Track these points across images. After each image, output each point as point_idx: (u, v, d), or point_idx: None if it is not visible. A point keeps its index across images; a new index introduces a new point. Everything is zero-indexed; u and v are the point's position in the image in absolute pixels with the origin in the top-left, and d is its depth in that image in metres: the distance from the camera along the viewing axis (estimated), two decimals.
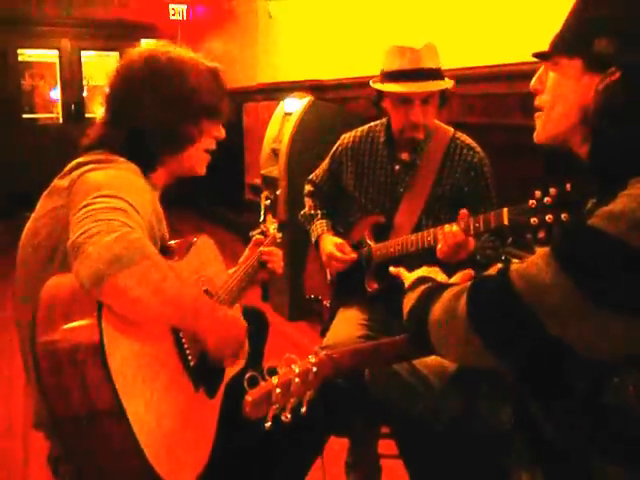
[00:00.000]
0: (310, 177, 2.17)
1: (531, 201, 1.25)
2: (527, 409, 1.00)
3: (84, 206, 1.02)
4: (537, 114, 1.01)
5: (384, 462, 1.87)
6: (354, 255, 1.90)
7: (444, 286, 1.04)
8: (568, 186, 1.20)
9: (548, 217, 1.22)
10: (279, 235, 1.77)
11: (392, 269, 1.36)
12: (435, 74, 1.74)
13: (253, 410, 0.95)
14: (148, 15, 7.06)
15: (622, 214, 0.77)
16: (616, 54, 0.85)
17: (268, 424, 0.97)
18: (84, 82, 7.50)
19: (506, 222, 1.36)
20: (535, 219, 1.24)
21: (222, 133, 1.44)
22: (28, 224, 1.25)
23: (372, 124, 2.00)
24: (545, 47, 0.98)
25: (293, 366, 1.02)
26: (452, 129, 1.89)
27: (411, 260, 1.50)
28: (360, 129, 2.02)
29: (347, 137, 2.03)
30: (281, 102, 4.06)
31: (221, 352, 1.19)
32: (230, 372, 1.37)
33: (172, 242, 1.36)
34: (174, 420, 1.08)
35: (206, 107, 1.36)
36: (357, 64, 3.67)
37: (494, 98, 2.60)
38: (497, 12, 2.61)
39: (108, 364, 0.93)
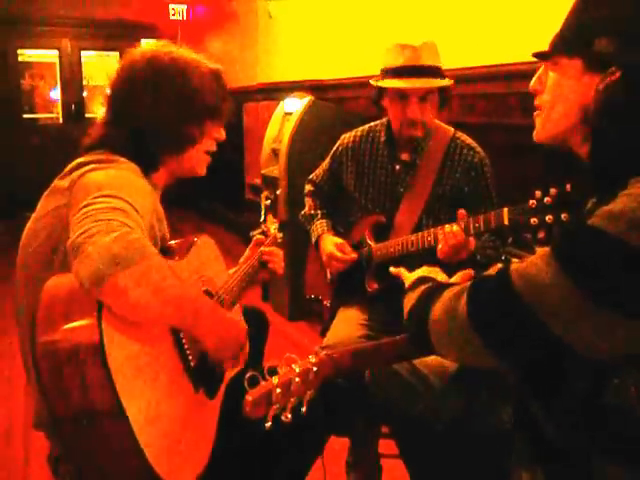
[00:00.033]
0: (310, 177, 2.17)
1: (531, 201, 1.25)
2: (527, 409, 1.00)
3: (84, 206, 1.02)
4: (537, 113, 1.01)
5: (384, 462, 1.87)
6: (354, 255, 1.90)
7: (444, 286, 1.04)
8: (568, 186, 1.20)
9: (548, 217, 1.22)
10: (280, 235, 1.77)
11: (392, 269, 1.36)
12: (434, 72, 1.74)
13: (253, 410, 0.95)
14: (148, 15, 7.06)
15: (622, 214, 0.77)
16: (616, 54, 0.85)
17: (268, 424, 0.97)
18: (84, 82, 7.50)
19: (506, 222, 1.36)
20: (535, 219, 1.24)
21: (223, 135, 1.44)
22: (28, 224, 1.25)
23: (372, 124, 2.00)
24: (545, 47, 0.98)
25: (293, 366, 1.02)
26: (452, 129, 1.89)
27: (411, 260, 1.50)
28: (360, 129, 2.02)
29: (347, 137, 2.03)
30: (281, 102, 4.06)
31: (221, 353, 1.19)
32: (230, 372, 1.37)
33: (172, 242, 1.36)
34: (174, 420, 1.08)
35: (208, 108, 1.36)
36: (357, 64, 3.67)
37: (494, 98, 2.60)
38: (497, 12, 2.61)
39: (108, 364, 0.93)
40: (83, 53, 7.42)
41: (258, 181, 4.15)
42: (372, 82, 1.83)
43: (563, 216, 1.20)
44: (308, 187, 2.17)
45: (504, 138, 2.49)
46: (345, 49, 3.91)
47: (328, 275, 2.02)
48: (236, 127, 5.05)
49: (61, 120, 7.45)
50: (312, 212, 2.10)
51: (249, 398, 0.95)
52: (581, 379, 0.86)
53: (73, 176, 1.19)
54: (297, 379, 1.00)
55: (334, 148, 2.06)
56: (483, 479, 1.22)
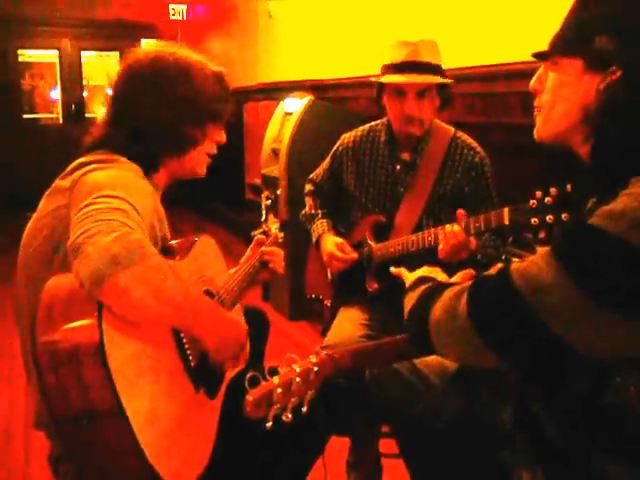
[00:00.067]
0: (311, 176, 2.17)
1: (532, 201, 1.25)
2: (528, 409, 1.00)
3: (85, 206, 1.02)
4: (537, 112, 1.01)
5: (385, 461, 1.87)
6: (355, 255, 1.90)
7: (445, 286, 1.04)
8: (569, 186, 1.20)
9: (549, 217, 1.22)
10: (281, 235, 1.77)
11: (393, 269, 1.35)
12: (432, 69, 1.74)
13: (254, 410, 0.95)
14: (148, 15, 7.06)
15: (623, 213, 0.77)
16: (617, 52, 0.85)
17: (269, 424, 0.97)
18: (84, 82, 7.50)
19: (507, 222, 1.36)
20: (536, 219, 1.24)
21: (224, 137, 1.44)
22: (29, 224, 1.25)
23: (373, 124, 2.00)
24: (545, 46, 0.98)
25: (294, 366, 1.02)
26: (453, 129, 1.89)
27: (412, 260, 1.50)
28: (361, 128, 2.02)
29: (348, 137, 2.03)
30: (281, 102, 4.06)
31: (221, 353, 1.19)
32: (231, 372, 1.37)
33: (173, 242, 1.36)
34: (174, 420, 1.08)
35: (210, 110, 1.36)
36: (357, 64, 3.66)
37: (494, 98, 2.60)
38: (497, 11, 2.61)
39: (108, 364, 0.93)
40: (83, 53, 7.42)
41: (258, 181, 4.15)
42: (373, 79, 1.84)
43: (564, 216, 1.19)
44: (308, 187, 2.17)
45: (504, 138, 2.49)
46: (345, 49, 3.91)
47: (329, 275, 2.02)
48: (236, 127, 5.04)
49: (61, 120, 7.46)
50: (312, 212, 2.10)
51: (250, 398, 0.95)
52: (581, 379, 0.86)
53: (74, 176, 1.19)
54: (298, 379, 1.00)
55: (334, 148, 2.06)
56: (483, 479, 1.21)
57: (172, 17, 6.76)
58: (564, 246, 0.82)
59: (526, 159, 2.33)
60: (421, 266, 1.28)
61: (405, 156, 1.88)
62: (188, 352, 1.17)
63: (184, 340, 1.16)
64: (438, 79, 1.74)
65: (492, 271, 1.03)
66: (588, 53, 0.89)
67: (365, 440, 1.86)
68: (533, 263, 0.83)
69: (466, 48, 2.74)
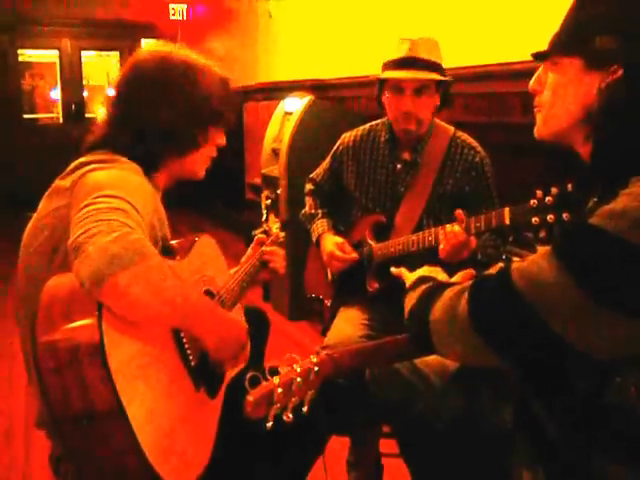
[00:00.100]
0: (311, 176, 2.16)
1: (532, 201, 1.25)
2: (529, 408, 1.00)
3: (85, 206, 1.02)
4: (537, 111, 1.01)
5: (385, 461, 1.88)
6: (355, 254, 1.90)
7: (445, 285, 1.04)
8: (569, 186, 1.20)
9: (549, 217, 1.22)
10: (282, 234, 1.77)
11: (393, 269, 1.35)
12: (431, 66, 1.74)
13: (254, 410, 0.95)
14: (148, 15, 7.06)
15: (623, 213, 0.77)
16: (618, 51, 0.85)
17: (269, 424, 0.97)
18: (84, 82, 7.50)
19: (507, 222, 1.36)
20: (536, 219, 1.24)
21: (224, 141, 1.44)
22: (29, 224, 1.25)
23: (373, 123, 2.00)
24: (545, 46, 0.97)
25: (294, 366, 1.02)
26: (452, 128, 1.89)
27: (412, 260, 1.50)
28: (361, 128, 2.01)
29: (348, 136, 2.02)
30: (281, 101, 4.06)
31: (221, 353, 1.19)
32: (231, 372, 1.37)
33: (173, 242, 1.36)
34: (174, 420, 1.08)
35: (215, 114, 1.36)
36: (358, 63, 3.67)
37: (494, 97, 2.60)
38: (497, 11, 2.61)
39: (108, 364, 0.93)
40: (83, 53, 7.43)
41: (258, 181, 4.15)
42: (373, 77, 1.84)
43: (564, 215, 1.19)
44: (308, 186, 2.17)
45: (504, 137, 2.49)
46: (345, 48, 3.91)
47: (329, 275, 2.02)
48: (236, 127, 5.04)
49: (61, 120, 7.47)
50: (312, 211, 2.10)
51: (250, 398, 0.95)
52: (582, 378, 0.86)
53: (74, 176, 1.18)
54: (298, 379, 1.00)
55: (335, 147, 2.06)
56: (484, 478, 1.21)
57: (172, 17, 6.76)
58: (565, 245, 0.82)
59: (526, 159, 2.33)
60: (421, 266, 1.28)
61: (405, 155, 1.88)
62: (188, 352, 1.17)
63: (184, 340, 1.16)
64: (436, 76, 1.74)
65: (492, 271, 1.03)
66: (588, 52, 0.88)
67: (365, 440, 1.86)
68: (534, 262, 0.83)
69: (466, 48, 2.74)
